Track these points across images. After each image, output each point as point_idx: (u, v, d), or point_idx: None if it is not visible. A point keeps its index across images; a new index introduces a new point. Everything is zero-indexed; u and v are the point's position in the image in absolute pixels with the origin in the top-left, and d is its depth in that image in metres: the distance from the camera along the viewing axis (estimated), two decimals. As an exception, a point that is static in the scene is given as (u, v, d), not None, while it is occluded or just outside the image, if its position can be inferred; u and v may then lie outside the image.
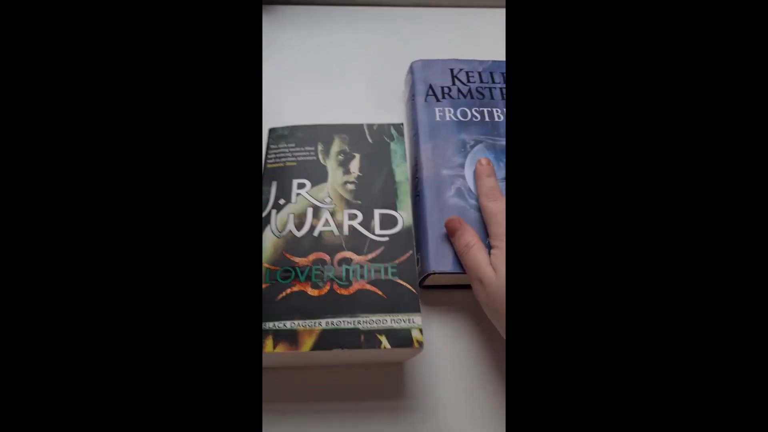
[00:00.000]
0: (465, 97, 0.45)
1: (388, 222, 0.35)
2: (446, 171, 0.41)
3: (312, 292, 0.32)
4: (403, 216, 0.36)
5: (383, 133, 0.40)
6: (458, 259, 0.36)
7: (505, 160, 0.41)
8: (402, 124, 0.41)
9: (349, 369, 0.35)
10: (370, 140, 0.39)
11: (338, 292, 0.32)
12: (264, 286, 0.32)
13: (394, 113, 0.49)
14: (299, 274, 0.33)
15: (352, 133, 0.40)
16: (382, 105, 0.49)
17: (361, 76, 0.53)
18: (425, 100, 0.45)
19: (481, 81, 0.46)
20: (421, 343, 0.31)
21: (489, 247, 0.35)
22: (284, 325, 0.31)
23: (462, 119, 0.44)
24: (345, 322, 0.31)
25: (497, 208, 0.37)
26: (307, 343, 0.30)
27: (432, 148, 0.42)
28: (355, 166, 0.38)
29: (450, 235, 0.37)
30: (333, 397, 0.34)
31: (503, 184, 0.40)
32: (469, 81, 0.46)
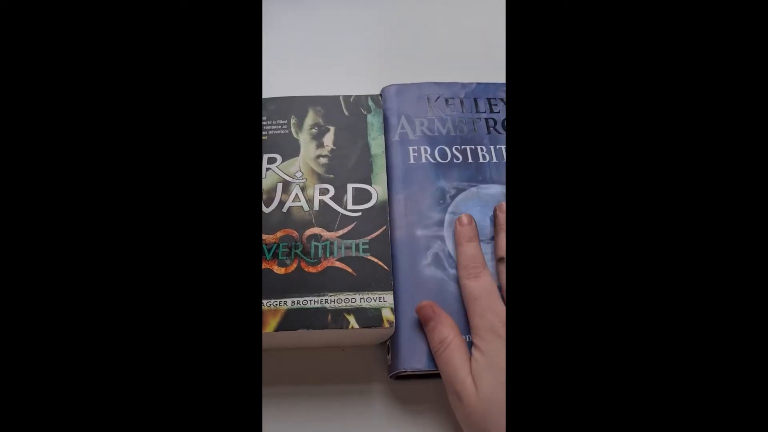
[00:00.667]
0: (444, 132, 0.38)
1: (361, 196, 0.33)
2: (421, 231, 0.33)
3: (278, 270, 0.30)
4: (378, 190, 0.34)
5: (360, 104, 0.38)
6: None
7: (492, 214, 0.34)
8: (380, 95, 0.39)
9: (325, 351, 0.33)
10: (346, 112, 0.37)
11: (306, 270, 0.30)
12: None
13: (378, 86, 0.47)
14: (266, 252, 0.31)
15: (328, 105, 0.38)
16: (366, 78, 0.47)
17: (346, 49, 0.50)
18: (398, 137, 0.37)
19: (463, 110, 0.39)
20: (391, 323, 0.29)
21: (471, 344, 0.29)
22: (248, 305, 0.29)
23: (441, 161, 0.36)
24: (312, 302, 0.29)
25: (480, 289, 0.29)
26: (271, 323, 0.29)
27: (405, 199, 0.34)
28: (329, 139, 0.36)
29: (423, 325, 0.30)
30: (305, 380, 0.32)
31: (488, 247, 0.33)
32: (448, 110, 0.39)
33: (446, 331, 0.29)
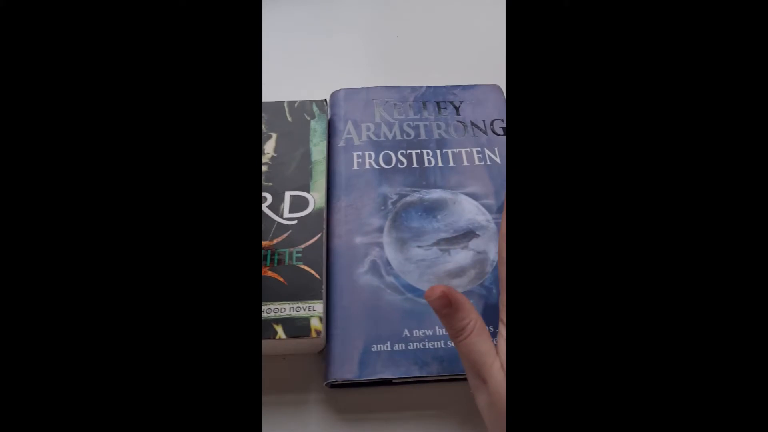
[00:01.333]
0: (390, 136, 0.37)
1: (298, 204, 0.33)
2: (360, 238, 0.33)
3: (210, 280, 0.30)
4: (315, 197, 0.33)
5: (304, 110, 0.38)
6: (365, 362, 0.29)
7: (435, 219, 0.34)
8: (325, 100, 0.39)
9: (264, 360, 0.33)
10: (289, 118, 0.37)
11: (238, 279, 0.30)
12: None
13: (328, 90, 0.46)
14: (199, 261, 0.31)
15: (271, 111, 0.37)
16: (316, 83, 0.47)
17: (296, 54, 0.50)
18: (343, 143, 0.37)
19: (411, 114, 0.39)
20: (319, 333, 0.29)
21: (496, 327, 0.27)
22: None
23: (385, 166, 0.36)
24: (242, 312, 0.29)
25: None
26: (200, 334, 0.29)
27: (345, 207, 0.34)
28: (270, 146, 0.36)
29: (436, 313, 0.27)
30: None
31: (428, 253, 0.33)
32: (396, 114, 0.38)
33: (466, 316, 0.26)
